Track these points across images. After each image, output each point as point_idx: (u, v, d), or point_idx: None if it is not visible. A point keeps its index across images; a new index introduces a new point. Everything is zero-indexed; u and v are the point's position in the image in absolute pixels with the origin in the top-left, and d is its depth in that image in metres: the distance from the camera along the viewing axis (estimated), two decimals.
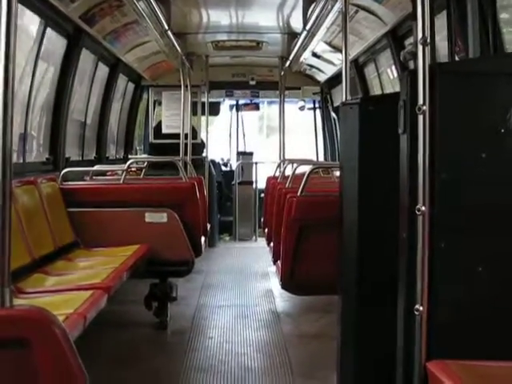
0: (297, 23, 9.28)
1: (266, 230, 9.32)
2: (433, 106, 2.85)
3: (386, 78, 9.06)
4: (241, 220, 13.59)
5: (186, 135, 10.95)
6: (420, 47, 2.86)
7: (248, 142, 15.15)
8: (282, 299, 8.11)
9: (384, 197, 3.72)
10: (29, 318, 2.75)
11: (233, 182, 13.69)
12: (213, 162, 13.49)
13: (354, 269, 4.23)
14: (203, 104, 12.83)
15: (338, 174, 7.29)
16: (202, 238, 8.00)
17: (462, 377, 2.67)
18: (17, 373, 2.74)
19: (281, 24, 9.84)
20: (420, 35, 2.87)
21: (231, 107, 14.73)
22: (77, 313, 4.07)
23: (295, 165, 8.92)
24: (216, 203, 12.98)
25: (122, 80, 11.11)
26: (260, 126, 18.14)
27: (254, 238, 13.55)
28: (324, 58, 10.92)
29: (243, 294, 8.59)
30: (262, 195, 11.89)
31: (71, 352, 2.75)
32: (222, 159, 15.11)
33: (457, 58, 4.80)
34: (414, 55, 2.91)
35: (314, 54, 10.86)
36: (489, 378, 2.77)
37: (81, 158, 9.33)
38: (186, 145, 10.73)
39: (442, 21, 5.28)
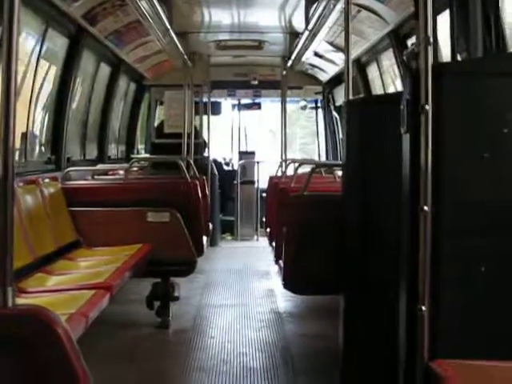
0: (299, 23, 9.28)
1: (269, 229, 9.31)
2: (435, 105, 2.84)
3: (388, 77, 9.06)
4: (243, 219, 13.59)
5: (189, 135, 10.93)
6: (422, 47, 2.85)
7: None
8: (283, 299, 8.11)
9: (386, 196, 3.72)
10: (31, 318, 2.75)
11: (235, 182, 13.69)
12: (215, 161, 13.49)
13: (356, 268, 4.24)
14: (205, 103, 12.83)
15: (340, 173, 7.30)
16: (204, 238, 7.99)
17: (465, 377, 2.67)
18: (20, 373, 2.74)
19: (283, 24, 9.84)
20: (422, 35, 2.86)
21: (233, 106, 14.71)
22: (79, 312, 4.07)
23: (297, 164, 8.92)
24: (218, 203, 12.98)
25: (123, 79, 11.11)
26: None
27: (255, 237, 13.56)
28: (326, 57, 10.91)
29: (245, 294, 8.59)
30: (264, 195, 11.88)
31: (74, 352, 2.74)
32: (224, 159, 15.12)
33: (459, 58, 4.79)
34: (417, 55, 2.90)
35: (316, 54, 10.86)
36: (492, 378, 2.77)
37: (83, 158, 9.33)
38: (188, 144, 10.72)
39: (444, 20, 5.28)
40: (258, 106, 14.44)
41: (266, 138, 17.37)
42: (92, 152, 9.89)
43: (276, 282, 8.62)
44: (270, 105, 14.89)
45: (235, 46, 11.33)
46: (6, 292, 2.71)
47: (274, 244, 7.98)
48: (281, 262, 6.80)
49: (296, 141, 21.34)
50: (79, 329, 3.87)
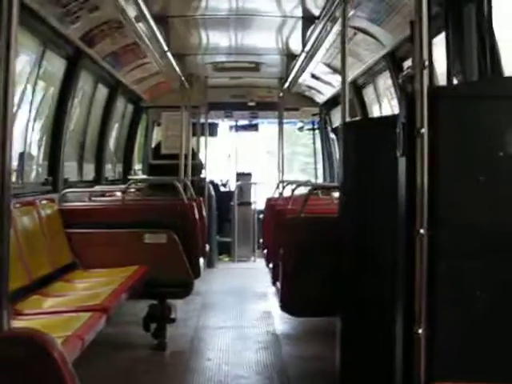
0: (295, 45, 9.32)
1: (266, 250, 9.30)
2: (431, 128, 2.85)
3: (384, 99, 9.08)
4: (240, 241, 13.56)
5: (186, 156, 10.94)
6: (418, 70, 2.87)
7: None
8: (281, 321, 8.07)
9: (382, 218, 3.72)
10: (27, 341, 2.73)
11: (232, 203, 13.67)
12: (212, 182, 13.49)
13: (352, 289, 4.23)
14: (202, 125, 12.84)
15: (337, 195, 7.30)
16: (201, 259, 7.97)
17: None
18: None
19: (280, 46, 9.88)
20: (418, 58, 2.88)
21: (230, 128, 14.72)
22: (75, 335, 4.05)
23: (294, 186, 8.93)
24: (215, 224, 12.96)
25: (121, 101, 11.14)
26: None
27: (252, 258, 13.52)
28: (323, 79, 10.95)
29: (242, 316, 8.56)
30: (261, 216, 11.86)
31: (69, 375, 2.73)
32: (221, 180, 15.10)
33: (455, 81, 4.81)
34: (413, 78, 2.92)
35: (313, 76, 10.90)
36: None
37: (80, 179, 9.33)
38: (185, 165, 10.72)
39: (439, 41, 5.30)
40: (255, 127, 14.44)
41: (264, 160, 17.38)
42: (89, 173, 9.89)
43: (273, 303, 8.59)
44: (268, 125, 14.90)
45: (232, 67, 11.37)
46: (1, 315, 2.71)
47: (271, 265, 7.97)
48: (278, 283, 6.78)
49: (297, 159, 21.20)
50: (75, 351, 3.85)
